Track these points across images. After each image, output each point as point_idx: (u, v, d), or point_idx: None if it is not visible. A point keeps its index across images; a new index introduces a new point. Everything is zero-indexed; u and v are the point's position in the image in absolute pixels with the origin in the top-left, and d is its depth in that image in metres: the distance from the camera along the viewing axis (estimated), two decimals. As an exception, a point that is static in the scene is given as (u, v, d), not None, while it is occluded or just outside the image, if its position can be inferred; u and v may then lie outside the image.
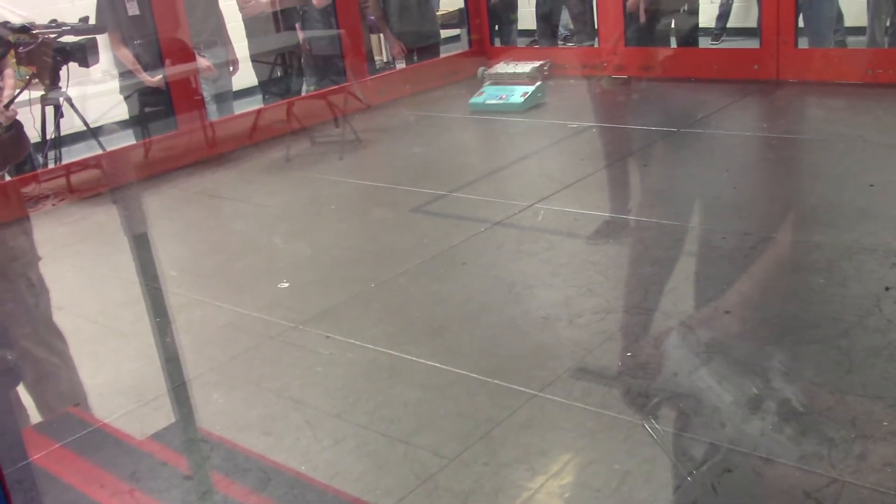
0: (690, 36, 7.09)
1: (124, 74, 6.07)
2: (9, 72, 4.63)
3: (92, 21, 5.55)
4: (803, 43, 6.43)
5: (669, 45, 7.06)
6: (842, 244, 3.45)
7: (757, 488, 2.18)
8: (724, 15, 9.09)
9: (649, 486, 2.22)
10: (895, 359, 2.62)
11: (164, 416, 2.89)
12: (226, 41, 6.62)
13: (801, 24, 6.50)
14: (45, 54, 3.97)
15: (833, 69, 6.03)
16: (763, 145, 5.07)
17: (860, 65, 5.97)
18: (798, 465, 2.20)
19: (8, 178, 5.11)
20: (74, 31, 4.95)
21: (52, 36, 4.87)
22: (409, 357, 3.03)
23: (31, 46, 3.92)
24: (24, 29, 4.10)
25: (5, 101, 4.49)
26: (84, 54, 5.15)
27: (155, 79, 5.93)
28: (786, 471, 2.19)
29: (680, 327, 2.98)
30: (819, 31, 6.68)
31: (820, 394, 2.51)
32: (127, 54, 5.96)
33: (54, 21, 5.02)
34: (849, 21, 7.49)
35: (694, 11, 7.09)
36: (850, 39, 7.40)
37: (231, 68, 6.68)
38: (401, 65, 7.49)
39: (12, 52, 4.44)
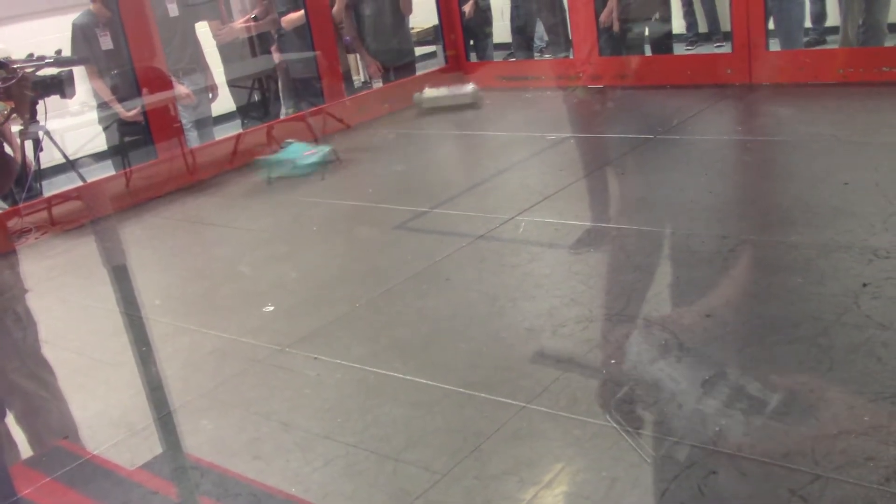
0: (664, 43, 7.17)
1: (102, 106, 6.09)
2: None
3: (66, 54, 5.57)
4: (775, 46, 6.52)
5: (644, 52, 7.14)
6: (818, 243, 3.50)
7: (742, 488, 2.20)
8: (692, 22, 9.18)
9: (637, 490, 2.25)
10: (874, 354, 2.66)
11: (153, 444, 2.89)
12: (204, 67, 6.65)
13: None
14: (24, 88, 3.97)
15: (805, 71, 6.10)
16: (739, 149, 5.13)
17: (832, 65, 6.05)
18: (782, 464, 2.23)
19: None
20: (57, 63, 4.95)
21: (30, 70, 4.87)
22: (396, 375, 3.04)
23: (11, 81, 3.92)
24: (1, 64, 4.10)
25: None
26: (62, 87, 5.16)
27: (131, 112, 5.95)
28: (770, 469, 2.22)
29: (662, 333, 3.01)
30: (789, 34, 6.77)
31: (802, 392, 2.55)
32: (103, 87, 5.98)
33: (31, 54, 5.03)
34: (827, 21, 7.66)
35: (667, 19, 7.17)
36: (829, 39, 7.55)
37: (210, 94, 6.72)
38: (377, 84, 7.54)
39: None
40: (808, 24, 7.60)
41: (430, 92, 7.13)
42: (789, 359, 2.73)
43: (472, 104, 7.02)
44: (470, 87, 7.06)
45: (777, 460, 2.25)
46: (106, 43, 5.93)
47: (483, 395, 2.81)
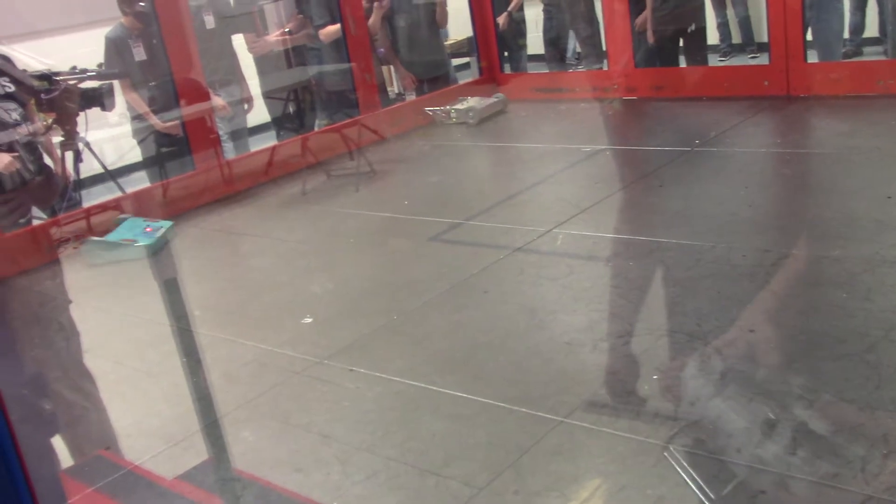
0: (699, 54, 7.12)
1: (138, 118, 6.15)
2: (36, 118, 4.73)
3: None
4: (813, 57, 6.46)
5: (679, 64, 7.09)
6: (862, 257, 3.45)
7: (792, 508, 2.17)
8: (726, 33, 9.11)
9: (683, 509, 2.22)
10: (924, 372, 2.61)
11: (194, 455, 2.90)
12: (240, 79, 6.71)
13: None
14: (67, 100, 4.05)
15: (844, 82, 6.03)
16: (778, 161, 5.07)
17: (871, 77, 5.98)
18: (832, 484, 2.19)
19: (36, 223, 5.18)
20: (99, 76, 5.03)
21: (73, 82, 4.95)
22: (435, 388, 3.03)
23: (54, 93, 4.01)
24: (46, 76, 4.18)
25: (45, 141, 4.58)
26: (102, 99, 5.24)
27: (168, 123, 6.00)
28: (820, 489, 2.18)
29: (705, 348, 2.98)
30: (827, 45, 6.70)
31: (850, 410, 2.50)
32: (137, 99, 6.04)
33: (75, 67, 5.11)
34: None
35: (702, 30, 7.12)
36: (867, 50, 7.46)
37: (246, 106, 6.77)
38: (411, 96, 7.56)
39: (34, 99, 4.53)
40: (845, 34, 7.52)
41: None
42: (836, 376, 2.69)
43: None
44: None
45: (826, 480, 2.21)
46: (139, 54, 5.99)
47: (523, 409, 2.80)
